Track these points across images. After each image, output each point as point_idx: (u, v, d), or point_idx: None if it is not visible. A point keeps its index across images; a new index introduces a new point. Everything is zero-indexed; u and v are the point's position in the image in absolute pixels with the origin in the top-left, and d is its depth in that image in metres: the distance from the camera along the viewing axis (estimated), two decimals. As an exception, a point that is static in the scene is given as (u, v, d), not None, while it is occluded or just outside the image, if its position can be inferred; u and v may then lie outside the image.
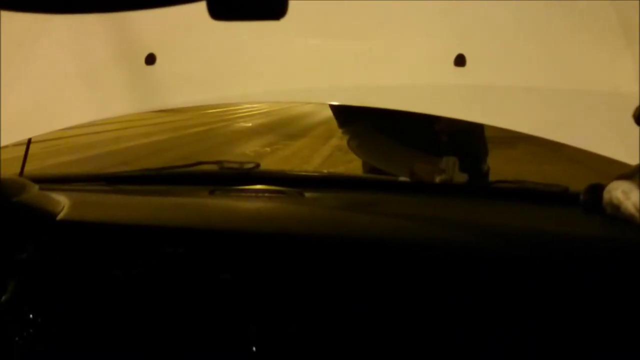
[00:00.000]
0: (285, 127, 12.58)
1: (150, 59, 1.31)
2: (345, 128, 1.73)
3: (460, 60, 1.17)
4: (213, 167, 1.42)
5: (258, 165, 1.39)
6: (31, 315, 0.85)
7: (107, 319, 0.87)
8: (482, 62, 1.17)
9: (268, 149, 8.99)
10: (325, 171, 5.04)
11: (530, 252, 0.84)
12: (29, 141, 1.45)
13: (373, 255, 0.85)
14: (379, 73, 1.27)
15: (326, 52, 1.31)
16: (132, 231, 0.94)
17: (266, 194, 1.19)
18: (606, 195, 0.93)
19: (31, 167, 1.43)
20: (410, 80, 1.24)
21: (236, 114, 16.26)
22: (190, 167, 1.42)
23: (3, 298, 0.83)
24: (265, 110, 17.54)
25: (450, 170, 1.42)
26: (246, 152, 8.59)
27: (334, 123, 1.75)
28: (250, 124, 13.91)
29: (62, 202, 0.97)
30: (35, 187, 0.95)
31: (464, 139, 1.65)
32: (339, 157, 7.81)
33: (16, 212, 0.88)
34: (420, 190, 1.32)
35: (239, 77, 1.34)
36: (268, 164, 7.34)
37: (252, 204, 1.14)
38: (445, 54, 1.18)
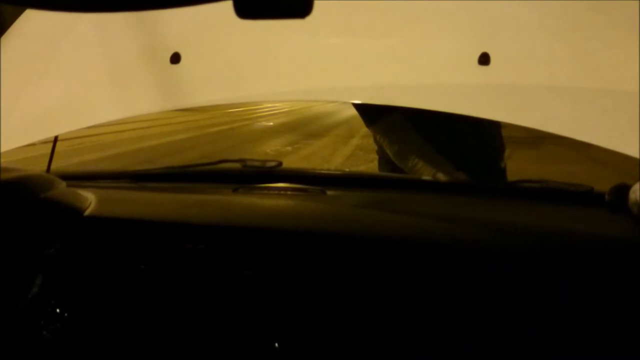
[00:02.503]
0: (306, 126, 12.59)
1: (175, 58, 1.32)
2: (374, 126, 1.71)
3: (484, 59, 1.16)
4: (236, 165, 1.43)
5: (280, 163, 1.40)
6: (58, 310, 0.86)
7: (132, 313, 0.89)
8: (506, 60, 1.16)
9: (289, 148, 9.00)
10: (347, 170, 5.04)
11: (555, 252, 0.83)
12: (56, 139, 1.47)
13: (394, 253, 0.85)
14: (402, 72, 1.26)
15: (349, 51, 1.31)
16: (157, 227, 0.95)
17: (288, 192, 1.20)
18: (632, 195, 0.92)
19: (56, 165, 1.46)
20: (434, 79, 1.23)
21: (257, 113, 16.32)
22: (213, 165, 1.43)
23: (31, 292, 0.85)
24: (286, 110, 17.57)
25: None
26: (268, 150, 8.61)
27: (355, 122, 1.75)
28: (271, 123, 13.95)
29: (89, 199, 0.99)
30: (63, 184, 0.97)
31: (485, 135, 1.64)
32: (360, 157, 7.80)
33: (44, 207, 0.89)
34: (443, 189, 1.32)
35: (263, 76, 1.35)
36: (290, 163, 7.34)
37: (274, 201, 1.15)
38: (469, 52, 1.17)
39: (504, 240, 0.89)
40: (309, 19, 0.53)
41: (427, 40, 1.25)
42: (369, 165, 7.09)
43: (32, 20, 1.37)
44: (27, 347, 0.86)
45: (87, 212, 0.94)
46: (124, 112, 1.44)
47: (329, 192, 1.16)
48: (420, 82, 1.24)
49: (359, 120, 1.78)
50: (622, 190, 0.95)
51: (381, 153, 1.88)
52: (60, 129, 1.44)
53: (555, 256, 0.82)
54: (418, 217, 1.02)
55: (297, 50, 1.30)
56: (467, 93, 1.20)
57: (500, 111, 1.19)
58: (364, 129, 1.87)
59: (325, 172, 1.94)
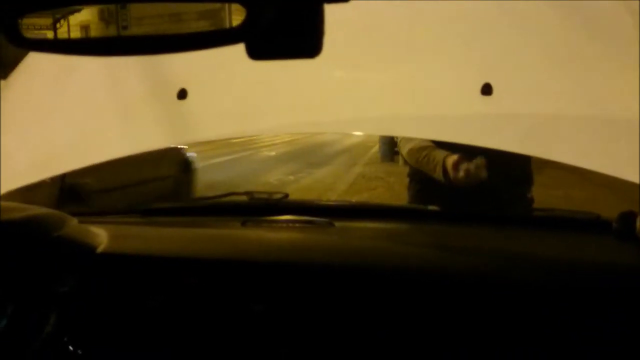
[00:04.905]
0: (308, 156, 12.59)
1: (182, 94, 1.34)
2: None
3: (487, 89, 1.17)
4: (243, 198, 1.44)
5: (287, 195, 1.41)
6: (71, 347, 0.87)
7: (145, 349, 0.89)
8: (508, 90, 1.18)
9: (292, 177, 9.01)
10: (354, 200, 5.04)
11: (563, 281, 0.84)
12: (64, 176, 1.49)
13: (404, 285, 0.86)
14: (405, 103, 1.28)
15: (353, 84, 1.33)
16: (169, 263, 0.95)
17: (297, 225, 1.20)
18: (639, 223, 0.93)
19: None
20: (437, 109, 1.25)
21: (259, 143, 16.36)
22: (221, 199, 1.44)
23: (45, 330, 0.85)
24: (288, 140, 17.63)
25: (475, 167, 1.45)
26: (271, 180, 8.61)
27: (356, 151, 1.75)
28: (274, 153, 13.97)
29: (101, 236, 1.00)
30: (75, 221, 0.98)
31: (514, 165, 1.64)
32: (362, 184, 7.80)
33: (57, 246, 0.90)
34: (450, 218, 1.32)
35: (268, 109, 1.36)
36: (293, 192, 7.33)
37: (283, 234, 1.15)
38: (472, 83, 1.19)
39: (512, 271, 0.89)
40: None
41: (430, 71, 1.27)
42: (372, 192, 7.09)
43: (40, 57, 1.39)
44: None
45: (99, 249, 0.95)
46: (131, 148, 1.46)
47: (337, 224, 1.17)
48: (424, 113, 1.25)
49: (360, 149, 1.79)
50: (630, 218, 0.96)
51: (412, 175, 1.85)
52: (69, 166, 1.45)
53: (564, 285, 0.82)
54: (426, 249, 1.03)
55: (302, 84, 1.32)
56: (471, 123, 1.21)
57: (504, 140, 1.20)
58: (366, 157, 1.88)
59: (332, 203, 1.95)
